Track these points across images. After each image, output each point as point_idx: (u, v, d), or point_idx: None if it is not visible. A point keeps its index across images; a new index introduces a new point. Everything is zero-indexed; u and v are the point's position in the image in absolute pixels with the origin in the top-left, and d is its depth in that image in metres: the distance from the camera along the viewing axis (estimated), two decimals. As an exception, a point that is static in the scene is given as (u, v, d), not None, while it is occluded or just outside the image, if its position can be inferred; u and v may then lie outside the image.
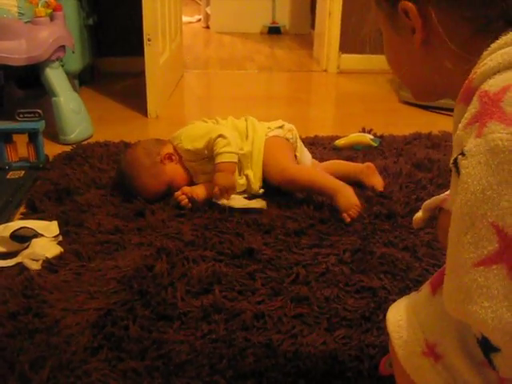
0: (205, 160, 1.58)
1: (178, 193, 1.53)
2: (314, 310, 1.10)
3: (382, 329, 1.04)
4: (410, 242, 1.35)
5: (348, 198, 1.46)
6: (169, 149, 1.61)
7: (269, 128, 1.67)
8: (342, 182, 1.51)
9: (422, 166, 1.82)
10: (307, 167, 1.68)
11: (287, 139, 1.66)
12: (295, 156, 1.67)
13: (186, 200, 1.51)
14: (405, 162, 1.86)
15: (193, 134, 1.59)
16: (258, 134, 1.63)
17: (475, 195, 0.49)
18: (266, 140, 1.63)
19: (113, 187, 1.63)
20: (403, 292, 1.16)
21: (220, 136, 1.52)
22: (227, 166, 1.52)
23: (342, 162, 1.77)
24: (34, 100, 2.58)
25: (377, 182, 1.66)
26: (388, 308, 1.07)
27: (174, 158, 1.60)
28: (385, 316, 1.06)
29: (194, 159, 1.60)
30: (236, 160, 1.55)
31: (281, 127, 1.68)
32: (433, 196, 1.56)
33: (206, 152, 1.56)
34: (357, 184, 1.64)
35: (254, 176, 1.59)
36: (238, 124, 1.67)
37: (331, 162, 1.77)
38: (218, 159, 1.52)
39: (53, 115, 2.08)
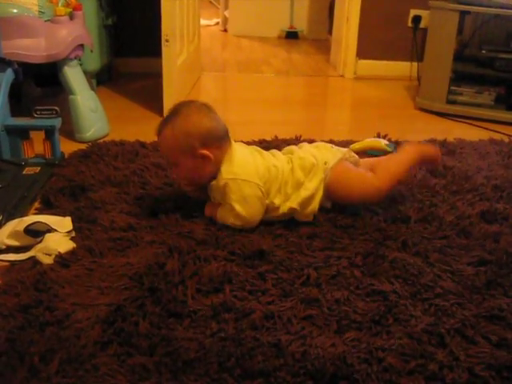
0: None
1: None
2: (323, 311, 1.10)
3: (392, 332, 1.04)
4: (422, 248, 1.34)
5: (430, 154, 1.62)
6: (215, 149, 1.40)
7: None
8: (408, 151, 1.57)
9: (436, 172, 1.82)
10: (380, 170, 1.52)
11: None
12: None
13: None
14: (419, 167, 1.85)
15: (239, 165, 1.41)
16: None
17: None
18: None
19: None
20: (414, 297, 1.15)
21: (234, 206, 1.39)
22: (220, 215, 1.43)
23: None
24: (51, 98, 2.60)
25: None
26: (398, 312, 1.07)
27: (208, 160, 1.40)
28: (395, 320, 1.06)
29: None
30: (229, 223, 1.41)
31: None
32: (447, 202, 1.57)
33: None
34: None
35: None
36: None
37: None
38: (219, 210, 1.43)
39: (69, 113, 2.10)
